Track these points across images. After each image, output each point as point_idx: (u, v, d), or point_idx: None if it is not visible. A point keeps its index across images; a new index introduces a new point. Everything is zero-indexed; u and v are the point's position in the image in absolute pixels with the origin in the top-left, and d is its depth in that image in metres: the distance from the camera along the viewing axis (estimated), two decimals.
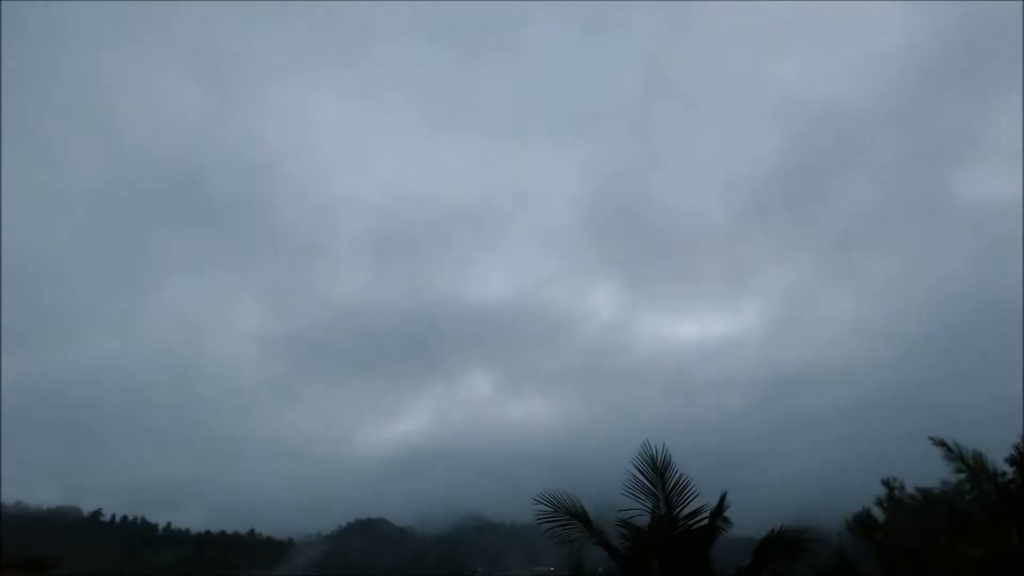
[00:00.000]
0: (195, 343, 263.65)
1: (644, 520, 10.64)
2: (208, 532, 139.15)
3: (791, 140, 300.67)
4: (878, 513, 26.60)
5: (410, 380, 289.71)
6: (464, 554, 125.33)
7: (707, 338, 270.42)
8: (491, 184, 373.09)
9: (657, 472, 10.42)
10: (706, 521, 10.48)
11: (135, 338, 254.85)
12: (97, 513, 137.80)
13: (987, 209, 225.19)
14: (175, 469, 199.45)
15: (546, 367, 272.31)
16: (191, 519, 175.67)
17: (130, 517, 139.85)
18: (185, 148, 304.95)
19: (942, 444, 13.88)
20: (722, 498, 10.53)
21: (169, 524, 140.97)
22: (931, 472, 21.49)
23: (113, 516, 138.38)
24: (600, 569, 12.13)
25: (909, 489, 25.69)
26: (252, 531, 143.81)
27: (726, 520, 10.57)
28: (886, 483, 26.62)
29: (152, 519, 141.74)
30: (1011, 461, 14.98)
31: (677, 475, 10.43)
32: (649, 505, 10.54)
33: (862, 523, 26.53)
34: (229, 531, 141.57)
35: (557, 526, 10.57)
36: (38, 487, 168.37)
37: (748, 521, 11.46)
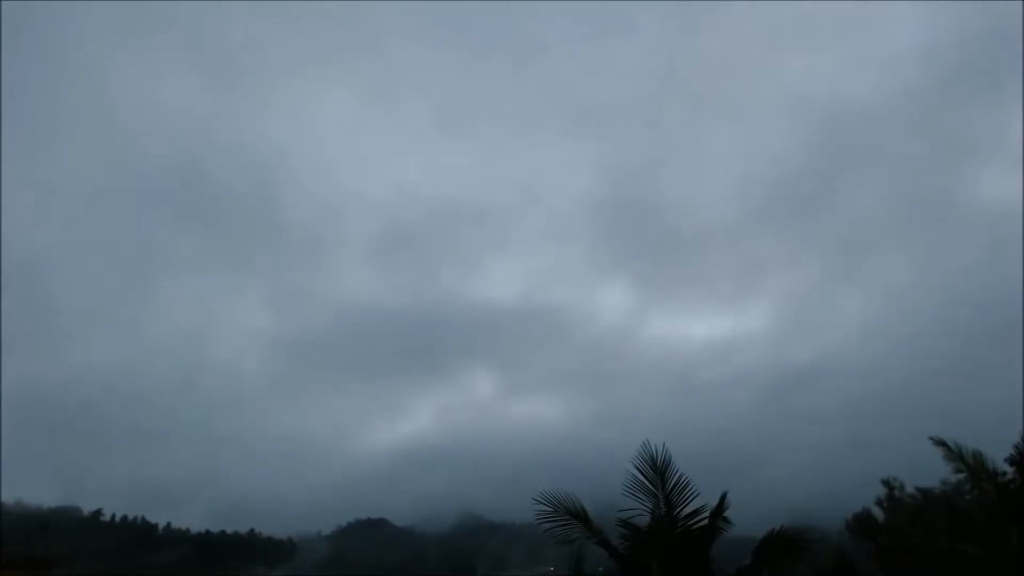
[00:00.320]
0: (196, 342, 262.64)
1: (644, 520, 10.66)
2: (208, 532, 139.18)
3: (803, 140, 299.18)
4: (878, 513, 26.60)
5: (413, 380, 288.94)
6: (465, 554, 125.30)
7: (713, 338, 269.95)
8: (499, 182, 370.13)
9: (657, 472, 10.44)
10: (706, 521, 10.49)
11: (136, 337, 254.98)
12: (97, 513, 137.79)
13: (996, 211, 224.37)
14: (175, 469, 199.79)
15: (550, 367, 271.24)
16: (191, 519, 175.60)
17: (130, 517, 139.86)
18: (188, 146, 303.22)
19: (942, 444, 13.89)
20: (722, 498, 10.55)
21: (169, 524, 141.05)
22: (931, 472, 21.47)
23: (113, 516, 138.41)
24: (600, 569, 12.14)
25: (909, 489, 25.68)
26: (252, 531, 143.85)
27: (726, 520, 10.58)
28: (886, 483, 26.62)
29: (152, 519, 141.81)
30: (1011, 461, 14.97)
31: (677, 475, 10.45)
32: (649, 505, 10.56)
33: (862, 523, 26.53)
34: (229, 531, 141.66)
35: (557, 526, 10.59)
36: (38, 487, 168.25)
37: (748, 521, 11.47)
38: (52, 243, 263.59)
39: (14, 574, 17.26)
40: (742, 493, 11.44)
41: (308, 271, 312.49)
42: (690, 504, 10.48)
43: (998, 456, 14.53)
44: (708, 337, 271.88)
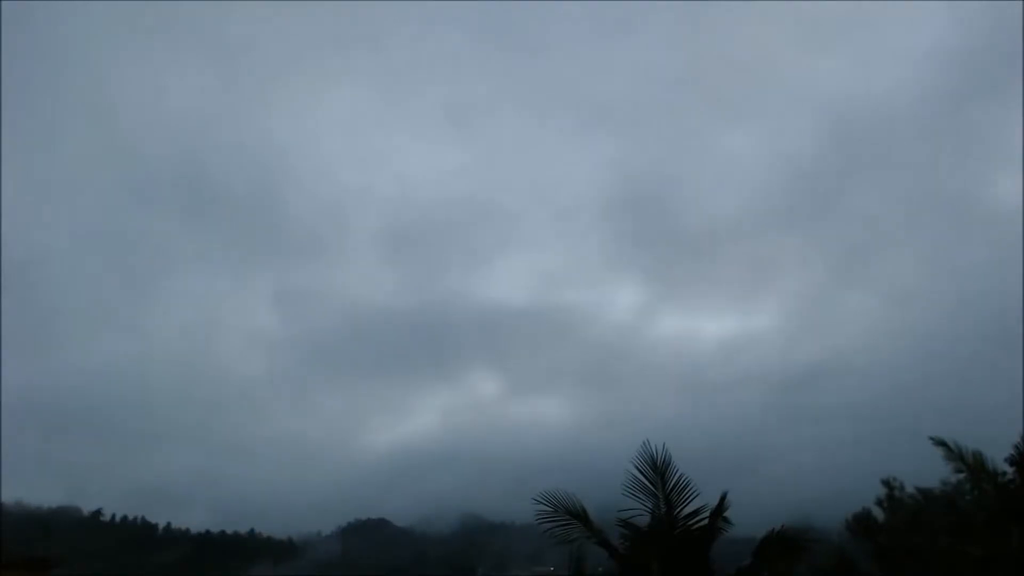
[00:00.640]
0: (197, 342, 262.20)
1: (644, 520, 10.67)
2: (208, 532, 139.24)
3: (817, 140, 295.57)
4: (878, 513, 26.55)
5: (415, 380, 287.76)
6: (465, 555, 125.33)
7: (720, 338, 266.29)
8: (507, 180, 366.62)
9: (657, 472, 10.45)
10: (706, 521, 10.51)
11: (136, 337, 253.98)
12: (97, 513, 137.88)
13: (1006, 212, 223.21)
14: (175, 469, 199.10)
15: (556, 367, 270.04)
16: (191, 519, 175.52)
17: (130, 517, 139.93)
18: (191, 144, 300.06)
19: (942, 444, 13.91)
20: (722, 498, 10.56)
21: (169, 524, 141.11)
22: (931, 472, 21.46)
23: (113, 516, 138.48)
24: (600, 569, 12.14)
25: (909, 489, 25.65)
26: (252, 531, 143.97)
27: (726, 520, 10.59)
28: (886, 483, 26.57)
29: (152, 519, 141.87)
30: (1011, 461, 14.99)
31: (677, 475, 10.46)
32: (649, 505, 10.57)
33: (862, 523, 26.49)
34: (229, 531, 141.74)
35: (557, 526, 10.60)
36: (38, 487, 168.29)
37: (748, 521, 11.47)
38: (52, 242, 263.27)
39: (14, 574, 17.26)
40: (742, 493, 11.43)
41: (311, 270, 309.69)
42: (690, 504, 10.51)
43: (998, 456, 14.57)
44: (716, 337, 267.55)
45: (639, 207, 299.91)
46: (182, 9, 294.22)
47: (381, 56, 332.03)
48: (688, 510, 10.50)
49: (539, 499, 10.60)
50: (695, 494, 10.48)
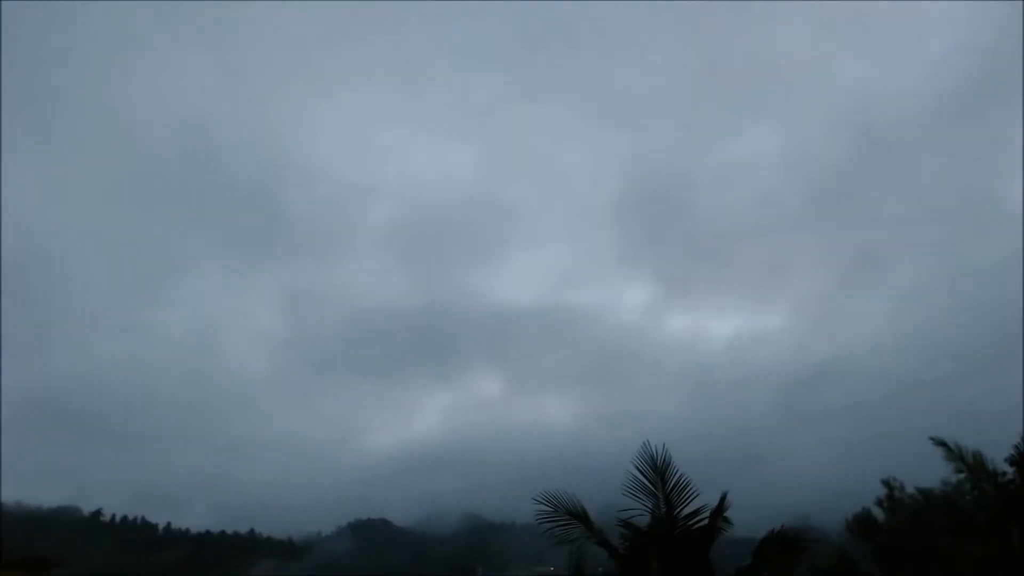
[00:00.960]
0: (198, 342, 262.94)
1: (644, 520, 10.67)
2: (208, 532, 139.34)
3: (834, 141, 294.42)
4: (878, 513, 26.55)
5: (418, 380, 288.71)
6: (466, 556, 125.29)
7: (726, 339, 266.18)
8: (516, 178, 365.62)
9: (657, 472, 10.45)
10: (706, 521, 10.51)
11: (137, 337, 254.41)
12: (97, 513, 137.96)
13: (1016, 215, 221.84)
14: (175, 469, 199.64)
15: (560, 367, 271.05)
16: (191, 519, 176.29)
17: (130, 517, 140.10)
18: (193, 143, 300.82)
19: (942, 444, 13.91)
20: (722, 498, 10.56)
21: (169, 524, 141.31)
22: (931, 472, 21.47)
23: (113, 516, 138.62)
24: (600, 569, 12.14)
25: (909, 489, 25.66)
26: (252, 531, 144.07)
27: (726, 520, 10.60)
28: (886, 483, 26.57)
29: (152, 519, 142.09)
30: (1011, 461, 15.00)
31: (677, 475, 10.46)
32: (649, 505, 10.57)
33: (862, 523, 26.48)
34: (229, 531, 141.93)
35: (557, 526, 10.59)
36: (38, 487, 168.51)
37: (748, 521, 11.48)
38: (53, 242, 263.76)
39: (14, 574, 17.25)
40: (742, 493, 11.43)
41: (315, 270, 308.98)
42: (690, 504, 10.51)
43: (998, 456, 14.57)
44: (724, 337, 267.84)
45: (651, 206, 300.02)
46: (185, 8, 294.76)
47: (388, 52, 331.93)
48: (688, 510, 10.50)
49: (539, 499, 10.61)
50: (695, 494, 10.50)
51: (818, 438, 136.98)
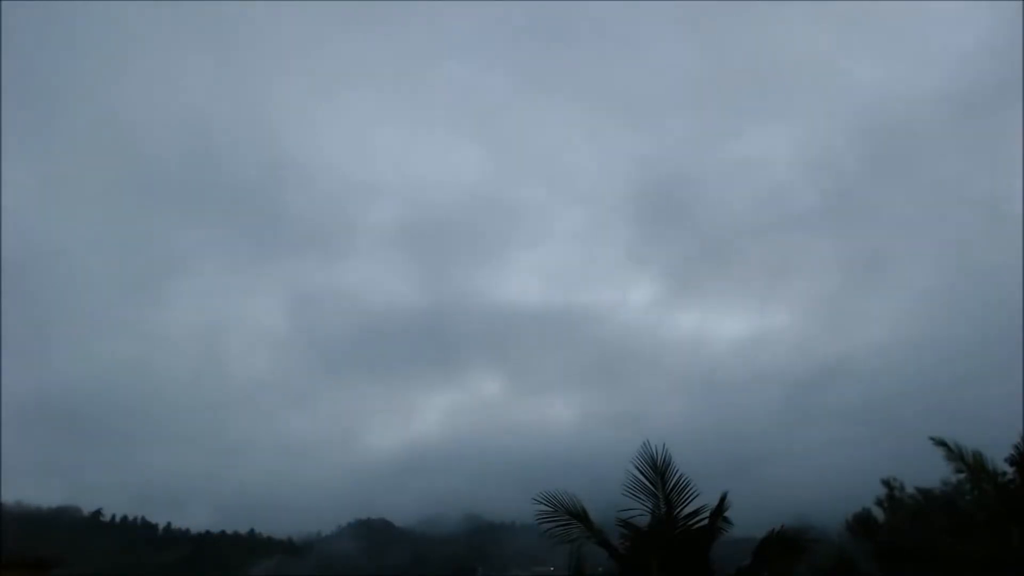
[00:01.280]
0: (199, 342, 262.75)
1: (644, 520, 10.67)
2: (208, 532, 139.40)
3: (846, 141, 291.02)
4: (878, 513, 26.61)
5: (420, 380, 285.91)
6: (466, 555, 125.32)
7: (731, 339, 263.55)
8: (522, 177, 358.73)
9: (657, 472, 10.46)
10: (706, 521, 10.51)
11: (138, 338, 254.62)
12: (97, 513, 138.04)
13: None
14: (176, 469, 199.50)
15: (562, 367, 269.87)
16: (191, 519, 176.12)
17: (130, 517, 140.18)
18: (195, 142, 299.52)
19: (942, 444, 13.91)
20: (722, 498, 10.56)
21: (169, 524, 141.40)
22: (931, 472, 21.49)
23: (113, 516, 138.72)
24: (600, 569, 12.15)
25: (909, 489, 25.70)
26: (252, 531, 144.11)
27: (726, 520, 10.60)
28: (886, 483, 26.63)
29: (152, 519, 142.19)
30: (1011, 461, 15.01)
31: (677, 475, 10.46)
32: (649, 505, 10.57)
33: (862, 523, 26.53)
34: (229, 531, 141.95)
35: (557, 526, 10.60)
36: (38, 487, 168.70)
37: (748, 521, 11.48)
38: (53, 242, 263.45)
39: (14, 574, 17.24)
40: (742, 493, 11.44)
41: (316, 270, 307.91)
42: (690, 504, 10.52)
43: (998, 456, 14.58)
44: (729, 338, 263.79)
45: (658, 205, 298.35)
46: (185, 8, 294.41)
47: (391, 50, 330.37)
48: (688, 510, 10.51)
49: (539, 499, 10.61)
50: (695, 494, 10.51)
51: (820, 439, 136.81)
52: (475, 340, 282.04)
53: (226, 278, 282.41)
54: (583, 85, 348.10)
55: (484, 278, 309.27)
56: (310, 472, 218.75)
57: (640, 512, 10.63)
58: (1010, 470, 14.99)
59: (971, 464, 13.71)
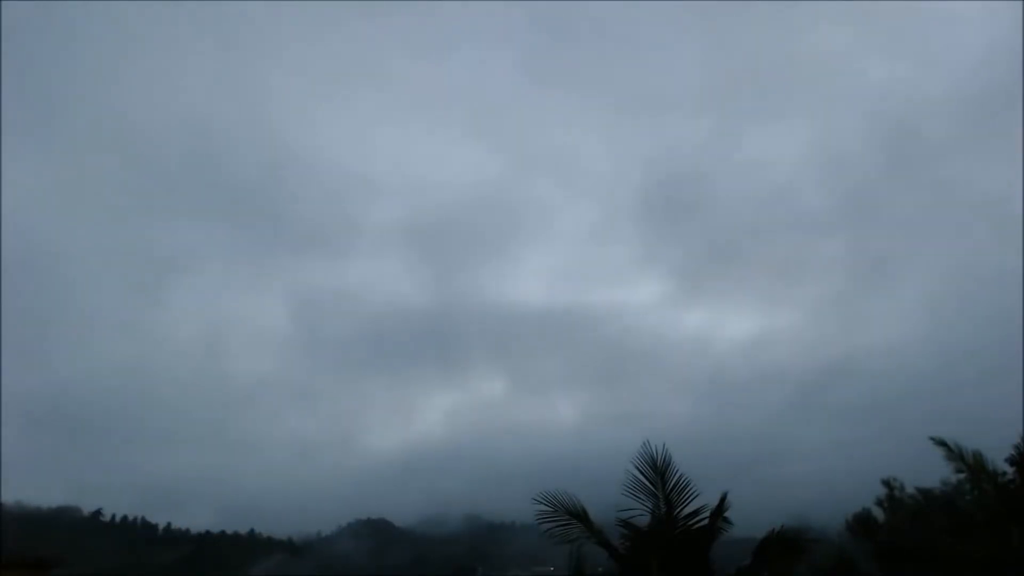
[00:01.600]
0: (200, 342, 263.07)
1: (644, 520, 10.66)
2: (208, 532, 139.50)
3: (861, 142, 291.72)
4: (878, 513, 26.63)
5: (421, 380, 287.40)
6: (465, 555, 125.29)
7: (736, 340, 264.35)
8: (526, 176, 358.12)
9: (657, 472, 10.44)
10: (706, 521, 10.50)
11: (138, 338, 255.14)
12: (97, 513, 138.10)
13: None
14: (176, 469, 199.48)
15: (564, 367, 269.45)
16: (191, 519, 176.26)
17: (130, 517, 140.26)
18: (198, 142, 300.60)
19: (942, 444, 13.91)
20: (722, 498, 10.55)
21: (169, 524, 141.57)
22: (931, 472, 21.50)
23: (113, 516, 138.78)
24: (600, 569, 12.14)
25: (909, 489, 25.72)
26: (252, 531, 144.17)
27: (726, 520, 10.59)
28: (886, 483, 26.65)
29: (152, 519, 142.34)
30: (1011, 461, 15.03)
31: (677, 475, 10.45)
32: (649, 505, 10.56)
33: (862, 523, 26.55)
34: (229, 531, 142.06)
35: (557, 526, 10.59)
36: (38, 487, 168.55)
37: (748, 521, 11.47)
38: (54, 242, 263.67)
39: (14, 574, 17.23)
40: (742, 493, 11.43)
41: (318, 269, 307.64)
42: (690, 504, 10.49)
43: (998, 456, 14.59)
44: (734, 338, 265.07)
45: (667, 204, 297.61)
46: (188, 6, 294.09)
47: (397, 46, 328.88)
48: (688, 510, 10.48)
49: (539, 499, 10.60)
50: (695, 494, 10.48)
51: (821, 439, 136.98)
52: (478, 340, 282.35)
53: (226, 277, 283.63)
54: (591, 83, 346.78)
55: (488, 277, 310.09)
56: (311, 472, 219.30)
57: (640, 512, 10.63)
58: (1010, 470, 15.01)
59: (971, 464, 13.71)
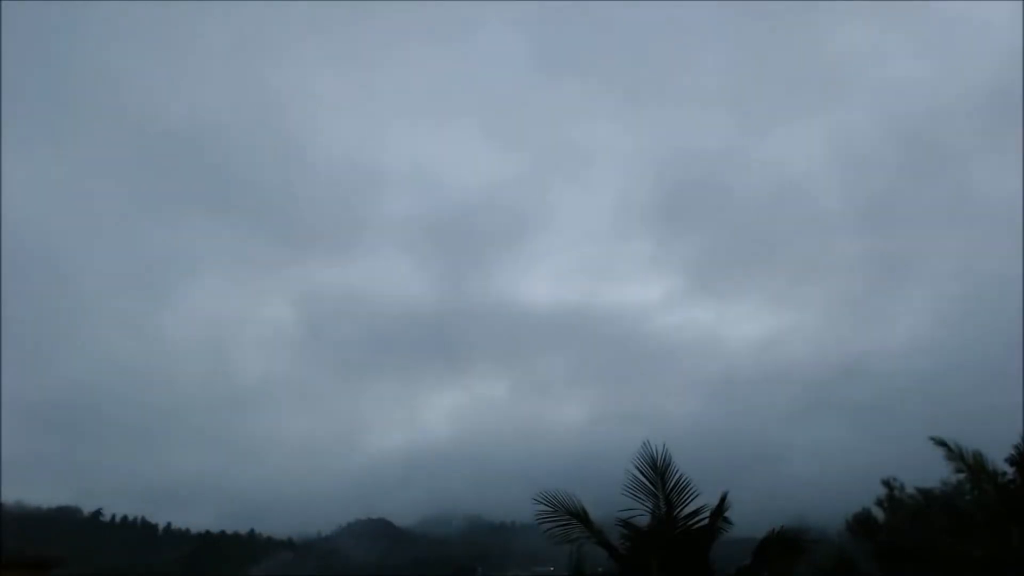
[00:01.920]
0: (200, 341, 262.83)
1: (644, 520, 10.67)
2: (208, 532, 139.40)
3: (879, 143, 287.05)
4: (878, 513, 26.60)
5: (424, 380, 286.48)
6: (465, 555, 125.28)
7: (745, 339, 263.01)
8: (533, 176, 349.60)
9: (657, 472, 10.44)
10: (706, 521, 10.50)
11: (138, 337, 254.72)
12: (97, 513, 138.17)
13: None
14: (176, 469, 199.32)
15: (566, 367, 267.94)
16: (191, 519, 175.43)
17: (130, 517, 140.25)
18: (203, 142, 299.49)
19: (942, 444, 13.92)
20: (722, 498, 10.55)
21: (169, 524, 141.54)
22: (931, 472, 21.47)
23: (113, 516, 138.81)
24: (600, 569, 12.15)
25: (909, 489, 25.69)
26: (252, 531, 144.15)
27: (726, 520, 10.59)
28: (886, 483, 26.62)
29: (152, 519, 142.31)
30: (1011, 461, 15.02)
31: (677, 475, 10.45)
32: (649, 505, 10.57)
33: (862, 523, 26.52)
34: (229, 531, 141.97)
35: (557, 526, 10.59)
36: (38, 487, 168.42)
37: (748, 521, 11.47)
38: (56, 242, 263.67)
39: (14, 574, 17.24)
40: (743, 493, 11.43)
41: (321, 268, 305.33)
42: (690, 504, 10.50)
43: (998, 456, 14.59)
44: (743, 337, 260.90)
45: (681, 203, 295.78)
46: (196, 6, 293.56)
47: (406, 41, 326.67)
48: (688, 510, 10.49)
49: (539, 499, 10.61)
50: (695, 494, 10.49)
51: (823, 439, 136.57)
52: (484, 339, 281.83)
53: (230, 277, 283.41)
54: (608, 78, 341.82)
55: (497, 275, 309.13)
56: (311, 472, 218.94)
57: (640, 512, 10.64)
58: (1010, 470, 15.00)
59: (971, 464, 13.73)
